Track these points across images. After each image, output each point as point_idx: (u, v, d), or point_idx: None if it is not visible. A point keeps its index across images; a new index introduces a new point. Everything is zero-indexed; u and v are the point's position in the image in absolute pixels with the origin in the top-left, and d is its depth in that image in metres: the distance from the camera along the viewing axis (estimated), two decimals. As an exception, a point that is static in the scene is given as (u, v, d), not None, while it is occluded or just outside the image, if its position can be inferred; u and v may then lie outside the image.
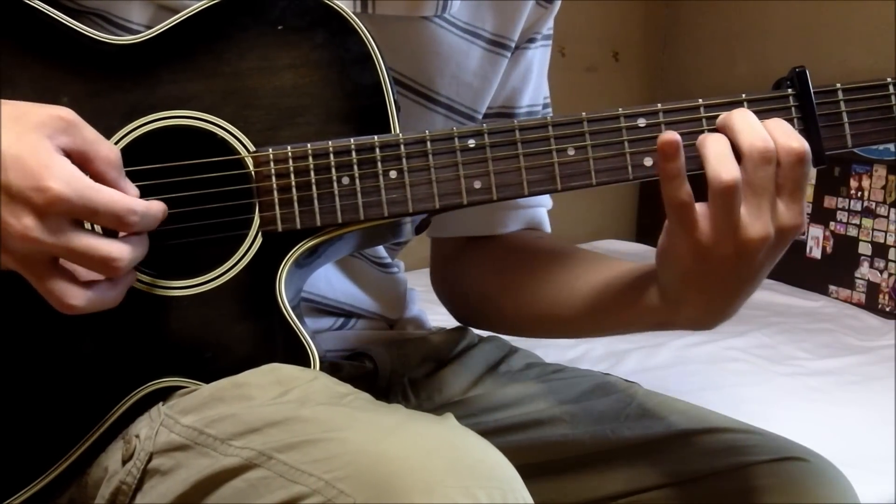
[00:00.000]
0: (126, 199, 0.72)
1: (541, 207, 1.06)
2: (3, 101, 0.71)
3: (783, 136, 0.74)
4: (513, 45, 0.98)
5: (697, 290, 0.77)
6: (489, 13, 0.95)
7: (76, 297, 0.71)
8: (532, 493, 0.65)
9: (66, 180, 0.68)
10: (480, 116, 0.99)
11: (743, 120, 0.75)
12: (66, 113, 0.71)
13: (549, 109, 1.07)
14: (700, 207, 0.74)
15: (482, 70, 0.96)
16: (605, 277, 0.89)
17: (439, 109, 0.95)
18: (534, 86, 1.03)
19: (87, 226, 0.73)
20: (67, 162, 0.69)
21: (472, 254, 1.04)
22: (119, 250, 0.71)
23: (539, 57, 1.03)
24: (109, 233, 0.73)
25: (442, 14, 0.91)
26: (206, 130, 0.79)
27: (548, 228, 1.07)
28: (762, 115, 0.76)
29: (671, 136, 0.74)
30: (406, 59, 0.91)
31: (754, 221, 0.73)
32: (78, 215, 0.70)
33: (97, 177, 0.71)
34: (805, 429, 1.21)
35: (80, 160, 0.71)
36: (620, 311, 0.87)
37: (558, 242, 1.03)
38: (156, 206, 0.75)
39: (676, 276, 0.78)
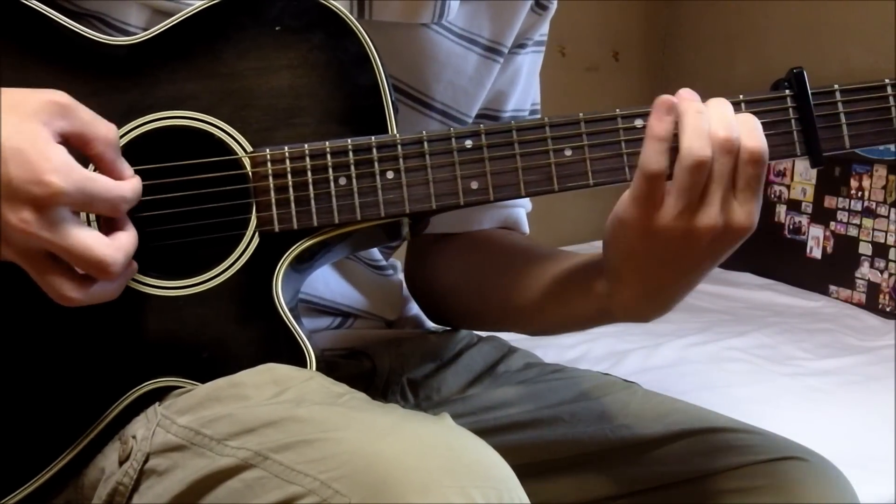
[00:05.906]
0: (118, 186, 0.73)
1: (518, 208, 1.05)
2: None
3: (746, 132, 0.74)
4: (506, 50, 0.98)
5: (635, 269, 0.77)
6: (486, 20, 0.95)
7: (74, 290, 0.72)
8: (530, 493, 0.65)
9: (66, 173, 0.68)
10: (472, 121, 0.99)
11: (717, 109, 0.75)
12: (60, 97, 0.71)
13: (538, 116, 1.06)
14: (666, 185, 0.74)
15: (478, 76, 0.96)
16: (563, 267, 0.89)
17: (434, 115, 0.95)
18: (521, 90, 1.03)
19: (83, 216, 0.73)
20: (64, 151, 0.70)
21: (442, 248, 1.04)
22: (113, 255, 0.71)
23: (529, 62, 1.02)
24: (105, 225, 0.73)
25: (439, 21, 0.91)
26: (203, 131, 0.79)
27: (525, 230, 1.07)
28: (759, 115, 0.76)
29: (668, 97, 0.74)
30: (403, 65, 0.91)
31: (705, 208, 0.73)
32: (75, 207, 0.70)
33: (97, 158, 0.72)
34: (805, 429, 1.21)
35: (79, 143, 0.71)
36: (572, 299, 0.87)
37: (528, 241, 1.03)
38: (138, 184, 0.75)
39: (621, 251, 0.78)
